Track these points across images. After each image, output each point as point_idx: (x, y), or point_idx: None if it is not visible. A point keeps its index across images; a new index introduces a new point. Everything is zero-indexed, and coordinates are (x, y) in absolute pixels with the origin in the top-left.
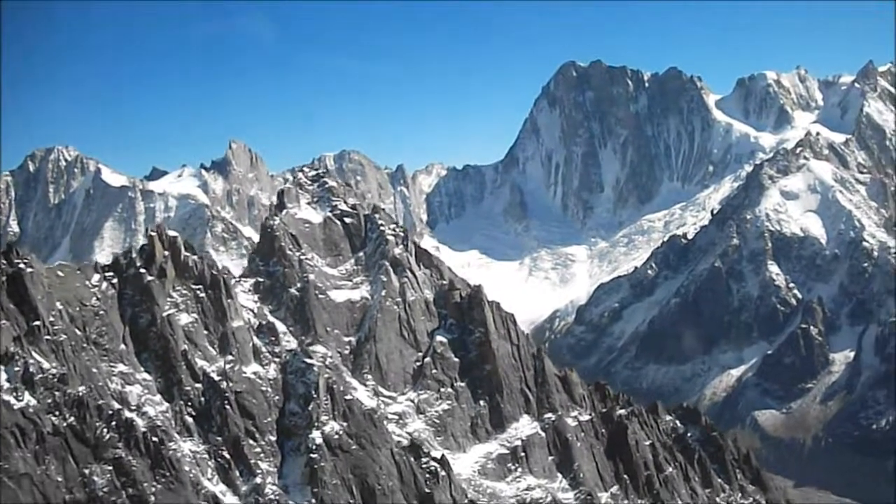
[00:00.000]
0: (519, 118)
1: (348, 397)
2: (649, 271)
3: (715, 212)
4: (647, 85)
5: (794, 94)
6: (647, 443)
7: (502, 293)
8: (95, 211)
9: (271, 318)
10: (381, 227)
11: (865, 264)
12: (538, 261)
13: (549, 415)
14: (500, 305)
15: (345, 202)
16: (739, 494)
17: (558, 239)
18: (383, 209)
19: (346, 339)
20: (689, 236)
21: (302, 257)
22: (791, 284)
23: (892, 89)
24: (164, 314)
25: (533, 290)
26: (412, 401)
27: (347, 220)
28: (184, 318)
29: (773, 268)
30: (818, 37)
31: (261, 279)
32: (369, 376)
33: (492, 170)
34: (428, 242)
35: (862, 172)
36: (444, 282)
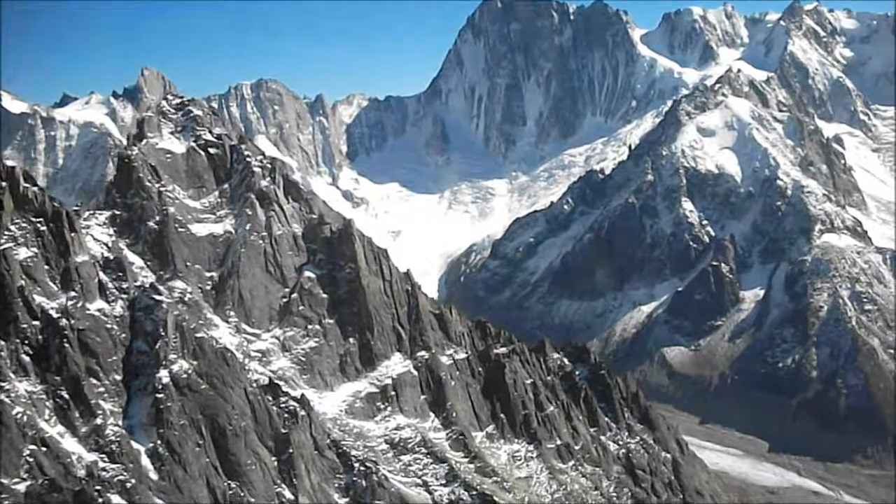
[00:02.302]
0: (443, 49)
1: (200, 335)
2: (565, 206)
3: (633, 147)
4: (572, 18)
5: (720, 30)
6: (529, 381)
7: (422, 226)
8: None
9: (126, 252)
10: (248, 159)
11: (779, 203)
12: (458, 194)
13: (423, 353)
14: (371, 241)
15: (210, 132)
16: (626, 433)
17: (479, 172)
18: (251, 139)
19: (208, 274)
20: (607, 171)
21: (162, 189)
22: (704, 222)
23: (817, 28)
24: (0, 248)
25: (452, 223)
26: (277, 338)
27: (212, 150)
28: (22, 253)
29: (687, 205)
30: None
31: (118, 212)
32: (232, 313)
33: (414, 101)
34: (347, 174)
35: (781, 111)
36: (314, 216)
